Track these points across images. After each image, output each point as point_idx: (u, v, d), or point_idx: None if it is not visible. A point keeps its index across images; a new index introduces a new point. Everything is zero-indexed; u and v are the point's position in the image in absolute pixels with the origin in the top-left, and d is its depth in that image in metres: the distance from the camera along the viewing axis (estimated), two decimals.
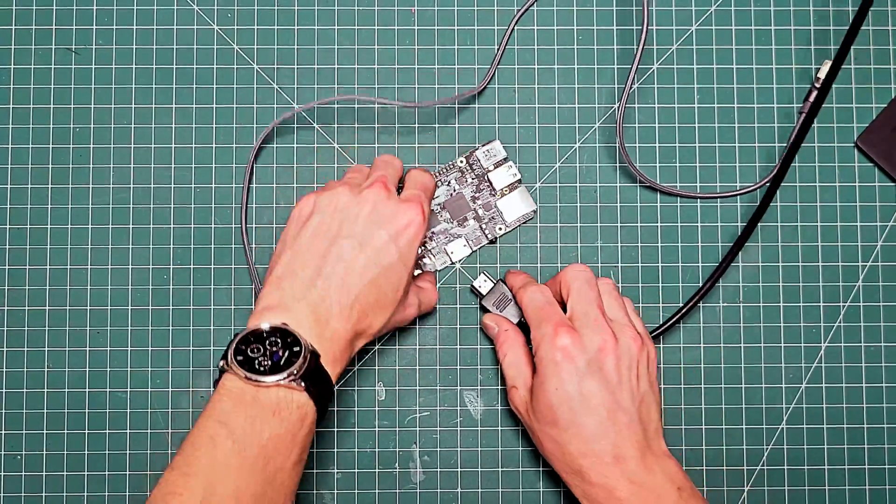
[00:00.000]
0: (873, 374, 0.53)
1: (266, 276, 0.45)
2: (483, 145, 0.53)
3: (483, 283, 0.52)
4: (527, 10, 0.54)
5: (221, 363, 0.41)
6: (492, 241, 0.53)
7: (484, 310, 0.52)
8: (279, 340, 0.41)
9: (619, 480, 0.44)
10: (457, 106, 0.54)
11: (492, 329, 0.51)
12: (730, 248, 0.52)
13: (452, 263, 0.53)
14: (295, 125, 0.54)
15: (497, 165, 0.53)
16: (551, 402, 0.45)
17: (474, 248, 0.53)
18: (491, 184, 0.53)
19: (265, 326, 0.42)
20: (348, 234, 0.44)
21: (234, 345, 0.41)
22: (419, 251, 0.47)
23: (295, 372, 0.40)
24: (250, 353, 0.41)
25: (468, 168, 0.53)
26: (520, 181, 0.53)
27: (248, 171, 0.53)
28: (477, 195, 0.53)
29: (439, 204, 0.53)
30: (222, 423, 0.40)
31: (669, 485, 0.45)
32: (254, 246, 0.53)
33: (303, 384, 0.40)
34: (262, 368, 0.40)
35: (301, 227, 0.45)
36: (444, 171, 0.53)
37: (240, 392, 0.40)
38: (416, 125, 0.54)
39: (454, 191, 0.53)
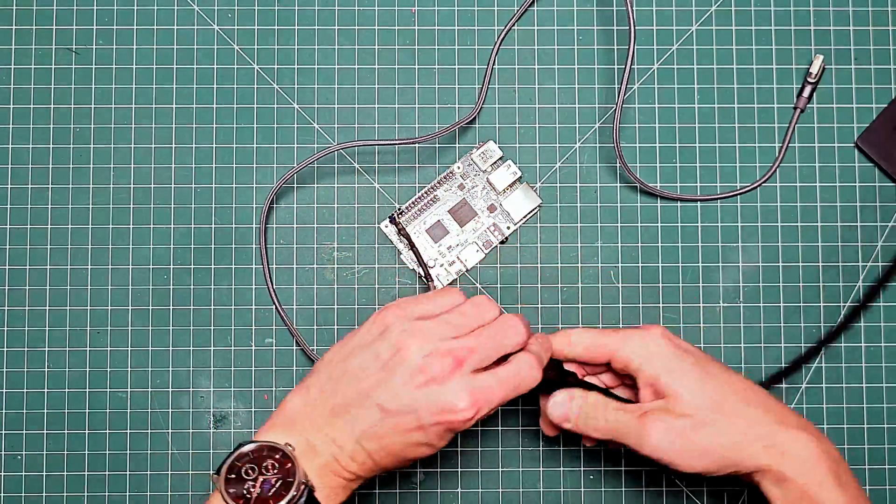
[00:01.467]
0: (873, 374, 0.52)
1: (299, 383, 0.43)
2: (478, 148, 0.53)
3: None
4: (511, 27, 0.54)
5: (213, 477, 0.40)
6: (502, 242, 0.53)
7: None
8: (277, 465, 0.39)
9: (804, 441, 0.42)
10: (457, 107, 0.54)
11: (565, 407, 0.45)
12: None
13: (468, 270, 0.53)
14: (295, 125, 0.54)
15: (495, 166, 0.53)
16: (707, 390, 0.42)
17: (486, 252, 0.53)
18: (492, 185, 0.53)
19: (247, 449, 0.40)
20: (385, 391, 0.40)
21: (229, 460, 0.39)
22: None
23: None
24: (244, 475, 0.39)
25: (466, 173, 0.53)
26: (520, 178, 0.53)
27: (264, 211, 0.53)
28: (480, 198, 0.53)
29: (447, 211, 0.53)
30: None
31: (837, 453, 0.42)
32: (254, 247, 0.53)
33: None
34: (248, 496, 0.38)
35: (351, 353, 0.42)
36: (444, 179, 0.53)
37: None
38: (417, 125, 0.54)
39: (458, 199, 0.53)
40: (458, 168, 0.53)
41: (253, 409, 0.52)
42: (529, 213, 0.53)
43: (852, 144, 0.53)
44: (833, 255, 0.53)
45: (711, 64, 0.54)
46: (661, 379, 0.43)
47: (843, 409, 0.52)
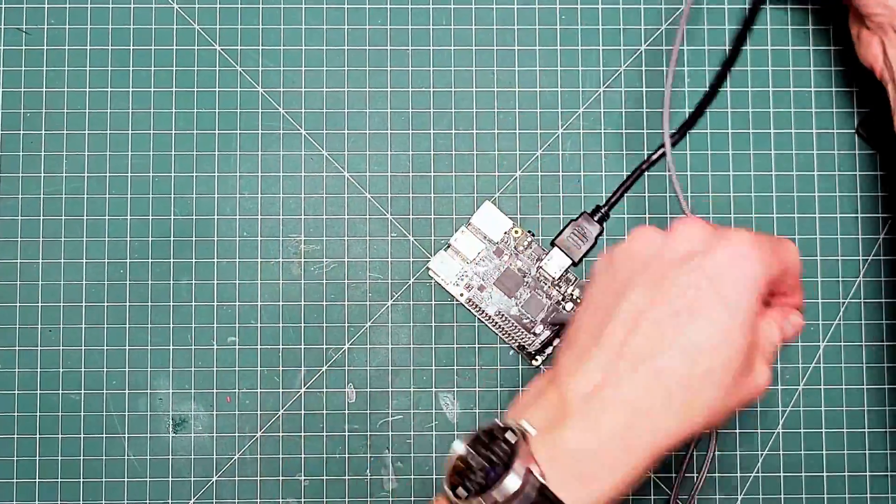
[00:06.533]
0: (875, 375, 0.51)
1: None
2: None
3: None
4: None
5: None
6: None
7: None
8: (509, 449, 0.31)
9: None
10: (431, 90, 0.52)
11: None
12: None
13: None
14: (259, 109, 0.52)
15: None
16: None
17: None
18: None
19: (459, 449, 0.32)
20: (641, 283, 0.33)
21: (461, 447, 0.33)
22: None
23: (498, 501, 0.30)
24: (471, 461, 0.32)
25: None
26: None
27: None
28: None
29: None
30: None
31: None
32: (216, 239, 0.51)
33: None
34: (469, 490, 0.31)
35: (590, 288, 0.35)
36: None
37: None
38: (389, 111, 0.52)
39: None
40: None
41: (214, 412, 0.50)
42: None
43: (853, 130, 0.52)
44: (832, 249, 0.51)
45: (703, 45, 0.52)
46: None
47: (843, 413, 0.51)
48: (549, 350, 0.50)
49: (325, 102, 0.52)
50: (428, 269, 0.50)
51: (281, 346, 0.50)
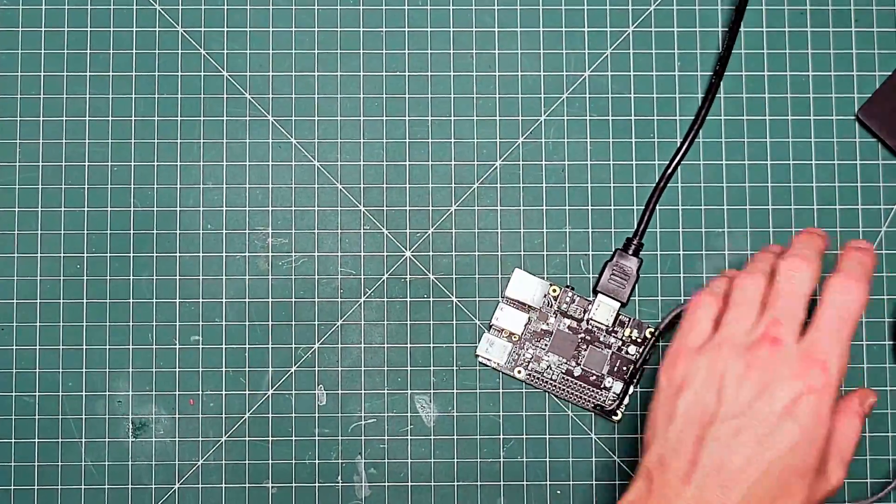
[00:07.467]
0: (876, 375, 0.49)
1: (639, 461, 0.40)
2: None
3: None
4: None
5: None
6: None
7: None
8: None
9: None
10: (407, 75, 0.50)
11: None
12: None
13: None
14: (224, 95, 0.50)
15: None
16: None
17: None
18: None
19: None
20: (727, 415, 0.37)
21: None
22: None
23: None
24: None
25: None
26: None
27: None
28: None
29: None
30: None
31: None
32: (178, 232, 0.49)
33: None
34: None
35: (672, 406, 0.39)
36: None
37: None
38: (362, 95, 0.49)
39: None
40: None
41: (177, 416, 0.48)
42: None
43: (853, 117, 0.50)
44: (831, 243, 0.49)
45: (694, 27, 0.50)
46: None
47: None
48: (625, 401, 0.47)
49: (294, 87, 0.50)
50: (476, 356, 0.48)
51: (247, 346, 0.49)
